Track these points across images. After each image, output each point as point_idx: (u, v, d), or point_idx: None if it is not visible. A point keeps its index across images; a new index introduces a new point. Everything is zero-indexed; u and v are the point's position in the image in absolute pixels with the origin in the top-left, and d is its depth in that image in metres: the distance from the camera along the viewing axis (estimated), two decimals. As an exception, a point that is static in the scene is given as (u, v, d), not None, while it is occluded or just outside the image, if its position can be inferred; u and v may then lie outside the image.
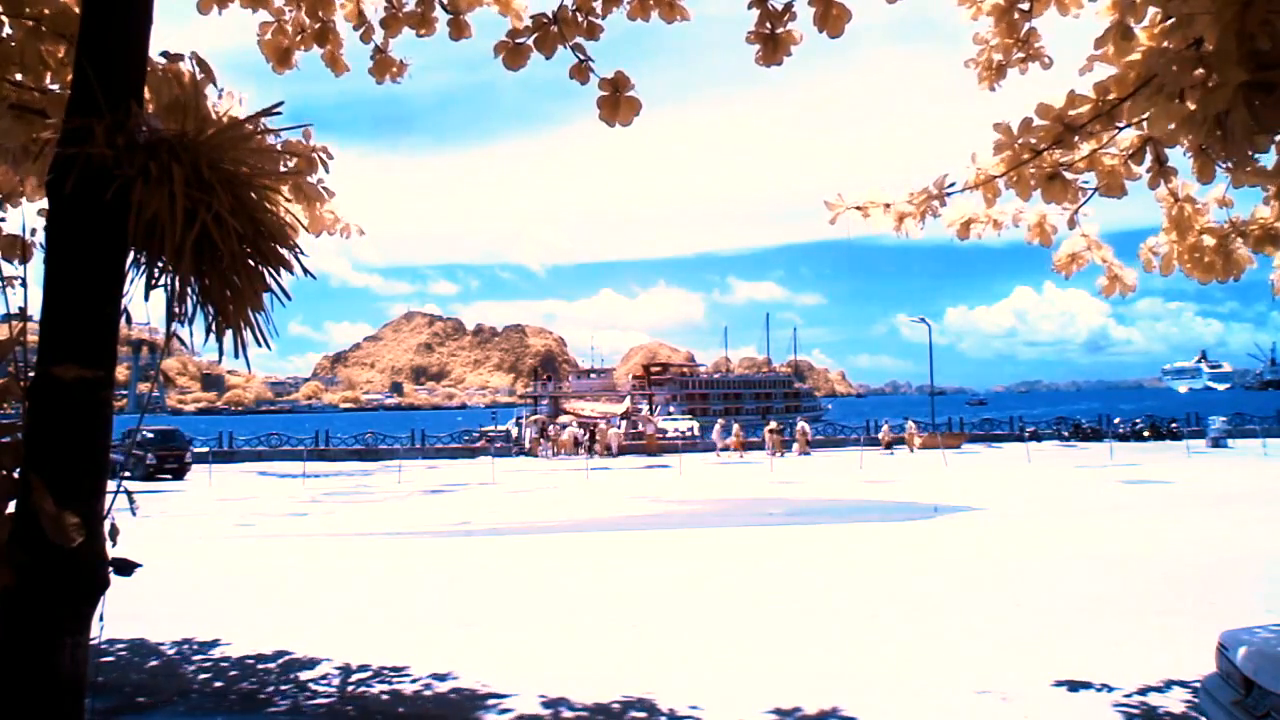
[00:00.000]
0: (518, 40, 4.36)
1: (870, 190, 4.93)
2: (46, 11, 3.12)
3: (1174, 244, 4.71)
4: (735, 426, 41.53)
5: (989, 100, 4.71)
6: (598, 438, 40.12)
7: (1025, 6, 4.29)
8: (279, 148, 2.70)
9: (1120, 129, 4.12)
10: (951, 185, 4.77)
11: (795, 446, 38.27)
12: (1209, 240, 4.61)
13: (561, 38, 4.32)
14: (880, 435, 40.34)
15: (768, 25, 4.15)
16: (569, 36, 4.32)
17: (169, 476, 30.93)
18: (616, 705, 6.23)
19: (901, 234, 4.88)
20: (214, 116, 2.69)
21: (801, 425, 40.56)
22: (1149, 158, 4.11)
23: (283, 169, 3.24)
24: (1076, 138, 4.06)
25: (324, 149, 4.62)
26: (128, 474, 30.62)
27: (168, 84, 2.79)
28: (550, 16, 4.31)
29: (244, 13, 4.73)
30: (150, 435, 32.44)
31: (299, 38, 4.81)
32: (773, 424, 40.51)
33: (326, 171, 4.68)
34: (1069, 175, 4.30)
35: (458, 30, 4.75)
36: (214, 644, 8.13)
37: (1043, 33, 4.49)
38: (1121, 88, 3.78)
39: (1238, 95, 2.37)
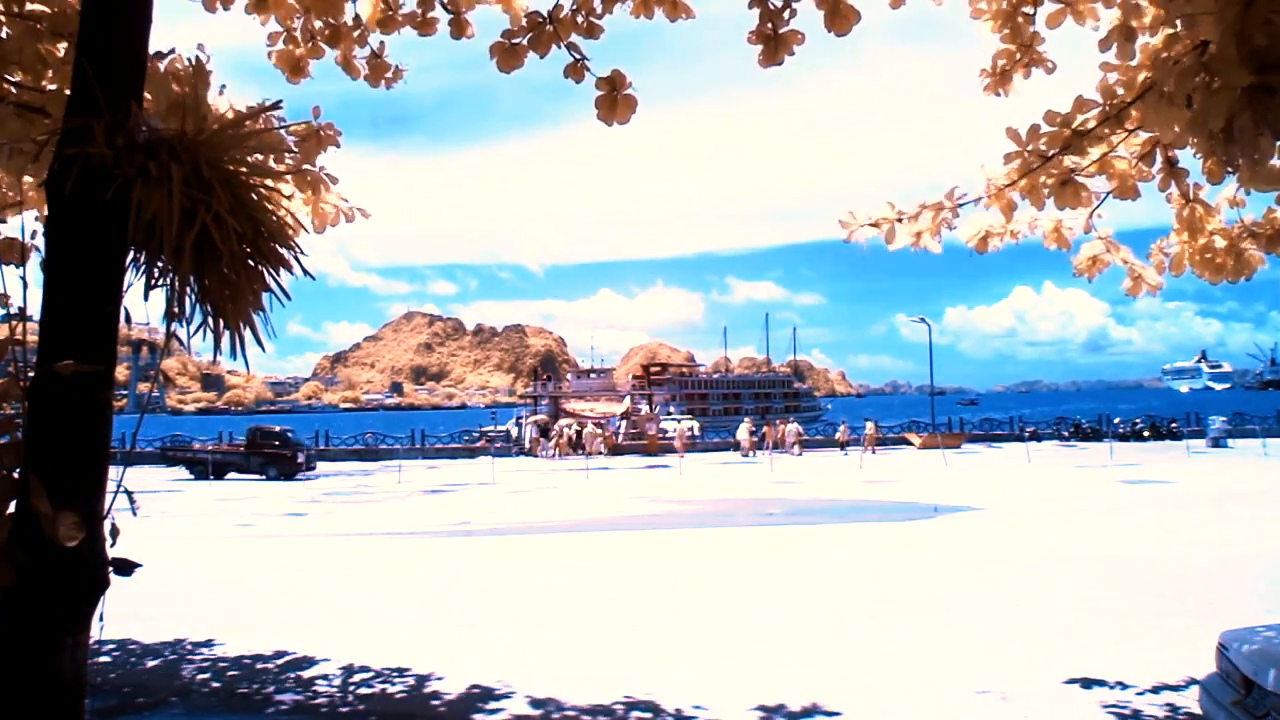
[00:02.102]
0: (513, 41, 4.34)
1: (884, 209, 4.91)
2: (45, 10, 3.12)
3: (1185, 244, 4.70)
4: (681, 427, 42.15)
5: (992, 101, 4.70)
6: (583, 439, 40.07)
7: (1029, 10, 4.26)
8: (283, 132, 2.68)
9: (1130, 132, 4.11)
10: (963, 196, 4.76)
11: (795, 448, 38.16)
12: (1220, 241, 4.60)
13: (557, 37, 4.29)
14: (838, 435, 40.67)
15: (769, 25, 4.13)
16: (565, 35, 4.30)
17: (280, 476, 30.51)
18: (615, 706, 6.23)
19: (920, 249, 4.87)
20: (214, 115, 2.69)
21: (795, 426, 40.41)
22: (1159, 159, 4.10)
23: (287, 159, 3.23)
24: (1085, 142, 4.04)
25: (329, 126, 4.60)
26: (272, 472, 30.27)
27: (167, 83, 2.79)
28: (545, 16, 4.29)
29: (228, 10, 4.70)
30: (290, 434, 32.42)
31: (309, 45, 4.78)
32: (747, 423, 40.93)
33: (337, 146, 4.66)
34: (1080, 180, 4.28)
35: (459, 29, 4.74)
36: (214, 644, 8.13)
37: (1048, 37, 4.48)
38: (1129, 91, 3.77)
39: (1242, 100, 2.37)
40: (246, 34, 4.85)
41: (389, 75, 4.98)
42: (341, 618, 9.37)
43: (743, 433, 39.39)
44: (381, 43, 4.91)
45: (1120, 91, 3.83)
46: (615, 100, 4.20)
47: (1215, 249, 4.58)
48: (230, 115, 2.83)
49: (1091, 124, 3.99)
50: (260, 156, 2.70)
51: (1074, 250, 5.09)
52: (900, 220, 4.83)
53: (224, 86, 3.63)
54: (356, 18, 4.79)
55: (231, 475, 30.82)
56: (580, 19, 4.30)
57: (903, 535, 15.06)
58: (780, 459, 34.11)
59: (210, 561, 13.59)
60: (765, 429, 39.87)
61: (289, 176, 4.42)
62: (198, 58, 2.91)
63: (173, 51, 3.17)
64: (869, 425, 40.12)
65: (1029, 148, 4.21)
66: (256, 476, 30.40)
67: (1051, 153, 4.14)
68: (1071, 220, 4.84)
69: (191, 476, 30.50)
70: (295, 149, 4.31)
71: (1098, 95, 3.95)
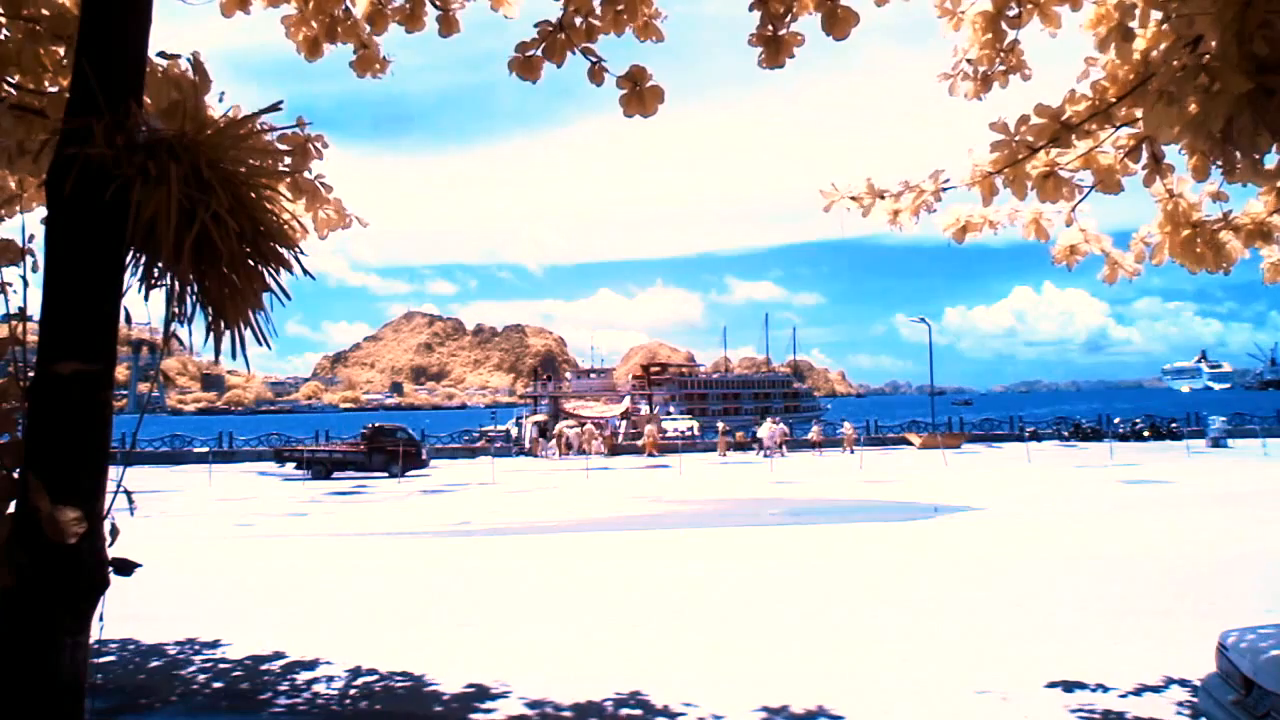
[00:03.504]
0: (528, 54, 4.34)
1: (866, 184, 4.95)
2: (45, 12, 3.12)
3: (1167, 235, 4.74)
4: (651, 428, 42.60)
5: (989, 102, 4.72)
6: (570, 440, 40.11)
7: (1014, 12, 4.28)
8: (274, 138, 2.68)
9: (1117, 128, 4.13)
10: (947, 181, 4.78)
11: (781, 449, 38.07)
12: (1201, 236, 4.64)
13: (570, 43, 4.29)
14: (810, 435, 40.89)
15: (770, 27, 4.14)
16: (576, 41, 4.30)
17: (401, 473, 30.42)
18: (615, 705, 6.23)
19: (896, 228, 4.91)
20: (213, 116, 2.69)
21: (780, 426, 40.36)
22: (1145, 155, 4.12)
23: (281, 167, 3.23)
24: (1073, 136, 4.06)
25: (318, 138, 4.60)
26: (394, 469, 30.07)
27: (167, 84, 2.79)
28: (555, 23, 4.28)
29: (248, 14, 4.72)
30: (405, 431, 32.44)
31: (324, 27, 4.79)
32: (720, 425, 42.06)
33: (320, 158, 4.66)
34: (1064, 174, 4.32)
35: (447, 27, 4.73)
36: (214, 644, 8.13)
37: (1033, 41, 4.51)
38: (1118, 87, 3.78)
39: (1241, 101, 2.37)
40: (246, 34, 4.87)
41: (376, 67, 4.99)
42: (341, 618, 9.36)
43: (765, 431, 39.29)
44: (370, 34, 4.91)
45: (1109, 89, 3.85)
46: (642, 94, 4.19)
47: (1196, 240, 4.62)
48: (228, 118, 2.83)
49: (1080, 118, 4.00)
50: (258, 161, 2.70)
51: (1053, 242, 5.14)
52: (882, 197, 4.85)
53: (223, 94, 3.63)
54: (347, 10, 4.80)
55: (338, 474, 30.23)
56: (579, 21, 4.30)
57: (903, 535, 15.06)
58: (769, 459, 34.19)
59: (210, 561, 13.59)
60: (649, 432, 40.97)
61: (284, 182, 4.43)
62: (196, 58, 2.91)
63: (175, 55, 3.17)
64: (846, 425, 40.94)
65: (1016, 138, 4.23)
66: (379, 474, 30.05)
67: (1039, 145, 4.16)
68: (1052, 213, 4.87)
69: (308, 476, 30.05)
70: (287, 157, 4.31)
71: (1087, 90, 3.97)
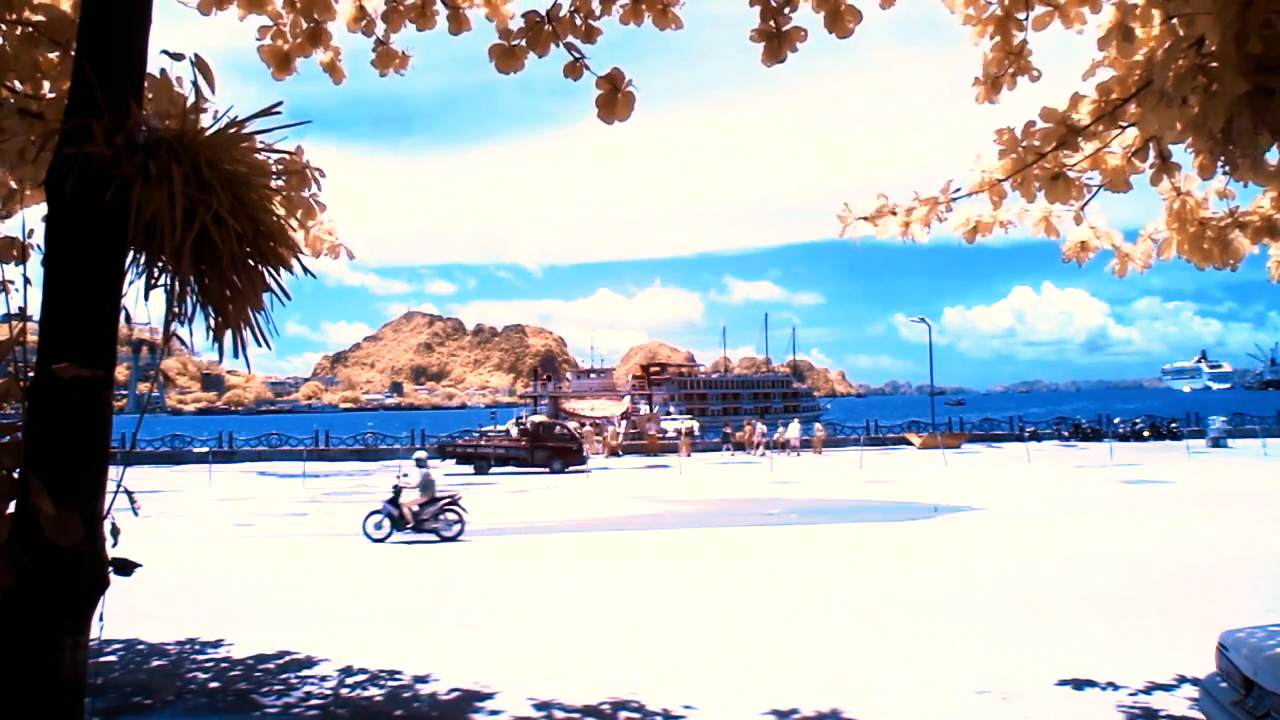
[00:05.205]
0: (513, 43, 4.35)
1: (878, 201, 4.96)
2: (41, 18, 3.11)
3: (1174, 232, 4.74)
4: (612, 429, 42.67)
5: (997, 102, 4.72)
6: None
7: (1023, 16, 4.27)
8: (273, 161, 2.66)
9: (1124, 128, 4.13)
10: (957, 190, 4.79)
11: (760, 449, 38.11)
12: (1209, 233, 4.65)
13: (555, 36, 4.30)
14: (776, 436, 41.22)
15: (771, 23, 4.14)
16: (563, 35, 4.31)
17: (563, 469, 30.75)
18: (616, 706, 6.23)
19: (908, 239, 4.93)
20: (214, 117, 2.68)
21: (762, 427, 40.44)
22: (1152, 154, 4.12)
23: (276, 181, 3.22)
24: (1080, 138, 4.06)
25: (318, 169, 4.61)
26: (556, 465, 30.43)
27: (167, 84, 2.79)
28: (543, 15, 4.29)
29: (223, 11, 4.70)
30: (565, 427, 33.12)
31: (298, 42, 4.79)
32: (690, 424, 43.11)
33: (319, 189, 4.68)
34: (1072, 175, 4.32)
35: (457, 24, 4.73)
36: (213, 644, 8.13)
37: (1039, 42, 4.51)
38: (1124, 89, 3.78)
39: (1242, 100, 2.37)
40: (244, 34, 4.84)
41: (397, 62, 4.99)
42: (341, 618, 9.37)
43: (792, 430, 39.47)
44: (386, 31, 4.92)
45: (1115, 90, 3.85)
46: (616, 98, 4.20)
47: (1203, 237, 4.62)
48: (229, 119, 2.82)
49: (1086, 120, 4.01)
50: (260, 157, 2.69)
51: (1062, 239, 5.14)
52: (894, 214, 4.87)
53: (212, 99, 3.63)
54: (362, 8, 4.79)
55: (495, 469, 30.40)
56: (579, 20, 4.30)
57: (903, 535, 15.05)
58: (755, 458, 34.27)
59: (210, 561, 13.59)
60: (744, 428, 41.32)
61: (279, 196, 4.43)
62: (198, 59, 2.91)
63: (179, 55, 3.16)
64: (817, 427, 42.30)
65: (1024, 144, 4.23)
66: (540, 470, 30.28)
67: (1046, 150, 4.16)
68: (1062, 211, 4.88)
69: (471, 471, 30.46)
70: (282, 174, 4.32)
71: (1093, 92, 3.97)
